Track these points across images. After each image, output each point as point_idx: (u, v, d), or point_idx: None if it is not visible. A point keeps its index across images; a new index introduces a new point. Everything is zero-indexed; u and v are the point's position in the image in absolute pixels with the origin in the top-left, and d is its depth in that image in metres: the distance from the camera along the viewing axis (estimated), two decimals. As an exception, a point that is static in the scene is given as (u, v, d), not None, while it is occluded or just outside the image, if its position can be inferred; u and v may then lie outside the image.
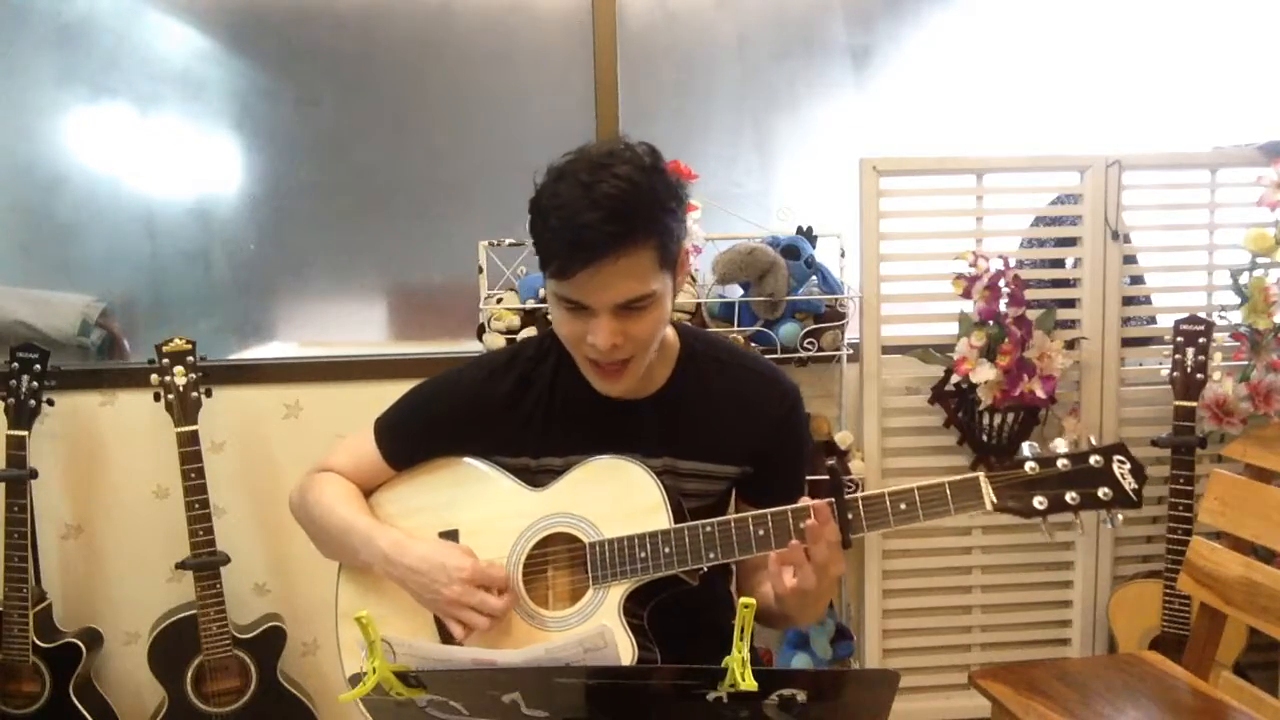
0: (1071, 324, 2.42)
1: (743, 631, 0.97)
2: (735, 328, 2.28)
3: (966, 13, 2.66)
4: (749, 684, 0.95)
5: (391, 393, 1.49)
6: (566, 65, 2.53)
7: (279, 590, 2.45)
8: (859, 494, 1.23)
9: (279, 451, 2.41)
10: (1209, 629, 1.93)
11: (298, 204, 2.51)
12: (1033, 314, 2.29)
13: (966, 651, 2.51)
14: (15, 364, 2.17)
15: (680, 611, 1.34)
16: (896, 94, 2.64)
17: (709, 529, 1.27)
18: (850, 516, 1.21)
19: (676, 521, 1.28)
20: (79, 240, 2.44)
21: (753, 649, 0.97)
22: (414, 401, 1.47)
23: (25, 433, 2.16)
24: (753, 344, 2.26)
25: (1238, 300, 2.34)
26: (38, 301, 2.39)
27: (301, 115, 2.50)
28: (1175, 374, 2.29)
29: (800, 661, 2.28)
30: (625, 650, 1.22)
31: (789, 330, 2.28)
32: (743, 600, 0.98)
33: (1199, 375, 2.27)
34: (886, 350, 2.41)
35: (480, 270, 2.30)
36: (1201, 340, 2.27)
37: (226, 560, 2.21)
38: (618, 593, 1.28)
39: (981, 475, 1.21)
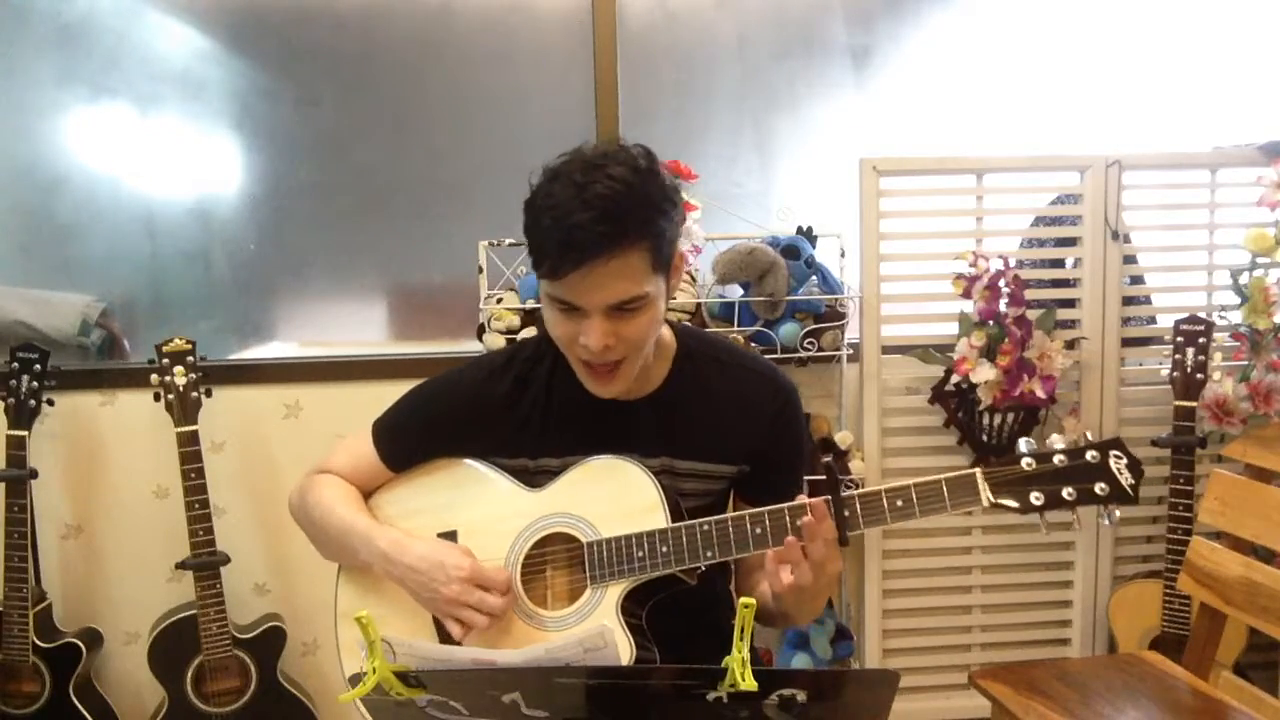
0: (1071, 324, 2.42)
1: (743, 631, 0.97)
2: (735, 328, 2.28)
3: (966, 13, 2.66)
4: (749, 684, 0.95)
5: (391, 393, 1.49)
6: (566, 65, 2.53)
7: (279, 590, 2.45)
8: (855, 491, 1.23)
9: (279, 451, 2.41)
10: (1209, 629, 1.93)
11: (298, 204, 2.51)
12: (1033, 314, 2.29)
13: (966, 651, 2.51)
14: (15, 364, 2.17)
15: (679, 611, 1.34)
16: (896, 94, 2.64)
17: (706, 528, 1.27)
18: (847, 514, 1.20)
19: (674, 521, 1.28)
20: (79, 240, 2.44)
21: (753, 649, 0.97)
22: (413, 403, 1.47)
23: (25, 433, 2.16)
24: (753, 344, 2.26)
25: (1238, 300, 2.34)
26: (38, 301, 2.39)
27: (301, 115, 2.50)
28: (1175, 374, 2.29)
29: (800, 661, 2.28)
30: (624, 650, 1.22)
31: (789, 330, 2.28)
32: (743, 600, 0.98)
33: (1199, 375, 2.27)
34: (886, 350, 2.41)
35: (480, 270, 2.30)
36: (1201, 340, 2.27)
37: (226, 560, 2.21)
38: (615, 592, 1.28)
39: (978, 471, 1.21)
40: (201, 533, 2.17)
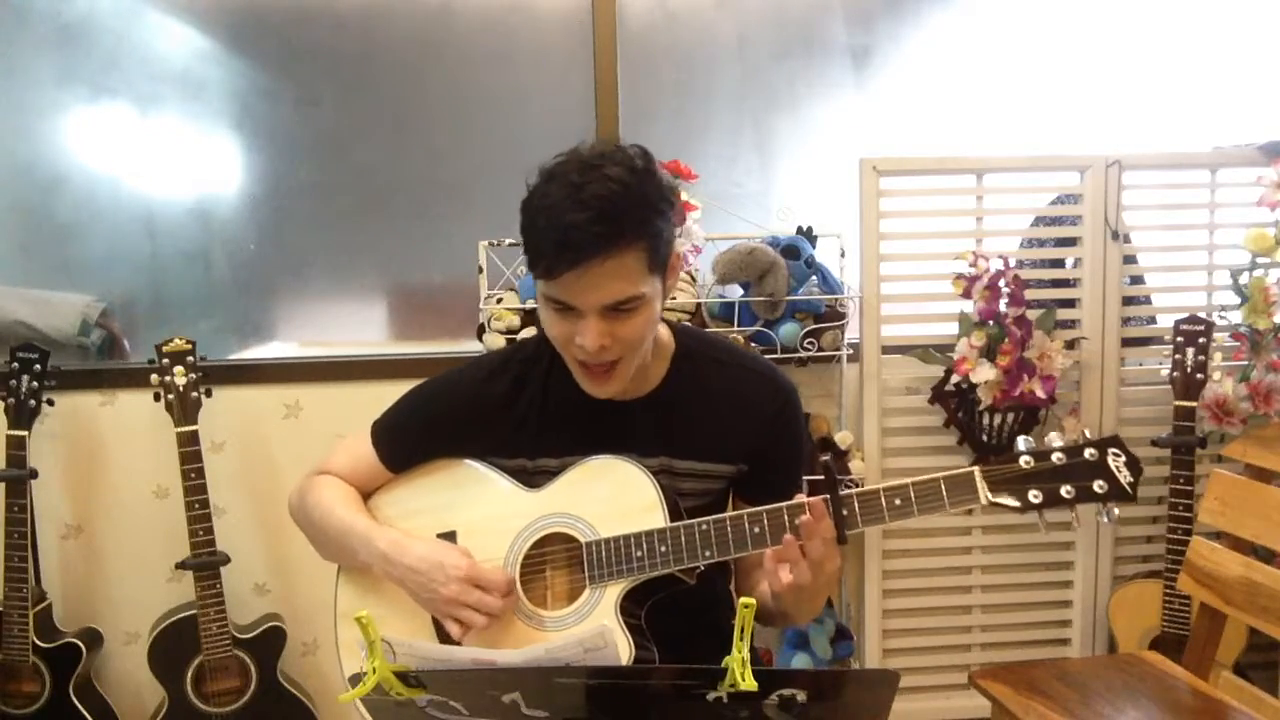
0: (1071, 324, 2.42)
1: (743, 631, 0.97)
2: (735, 328, 2.28)
3: (966, 13, 2.66)
4: (749, 684, 0.95)
5: (391, 393, 1.49)
6: (566, 65, 2.53)
7: (279, 590, 2.45)
8: (854, 489, 1.23)
9: (279, 451, 2.41)
10: (1209, 629, 1.93)
11: (298, 204, 2.51)
12: (1033, 314, 2.29)
13: (966, 651, 2.51)
14: (15, 364, 2.17)
15: (679, 611, 1.34)
16: (896, 94, 2.64)
17: (704, 527, 1.27)
18: (845, 512, 1.20)
19: (673, 520, 1.28)
20: (79, 240, 2.44)
21: (753, 649, 0.97)
22: (412, 403, 1.47)
23: (25, 433, 2.16)
24: (753, 344, 2.26)
25: (1238, 300, 2.34)
26: (38, 301, 2.39)
27: (301, 115, 2.50)
28: (1175, 374, 2.29)
29: (800, 661, 2.28)
30: (623, 650, 1.22)
31: (789, 330, 2.28)
32: (743, 600, 0.98)
33: (1199, 375, 2.27)
34: (886, 350, 2.41)
35: (480, 270, 2.30)
36: (1201, 340, 2.26)
37: (226, 560, 2.21)
38: (614, 592, 1.28)
39: (976, 470, 1.21)
40: (201, 533, 2.17)
